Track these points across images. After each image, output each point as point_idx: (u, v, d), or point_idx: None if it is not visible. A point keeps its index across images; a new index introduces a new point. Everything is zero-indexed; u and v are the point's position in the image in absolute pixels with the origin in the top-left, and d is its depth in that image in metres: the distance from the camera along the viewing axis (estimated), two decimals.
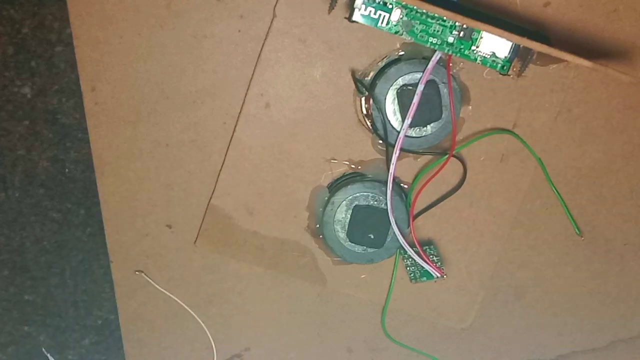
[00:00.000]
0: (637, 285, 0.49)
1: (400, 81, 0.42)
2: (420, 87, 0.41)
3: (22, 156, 0.44)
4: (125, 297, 0.48)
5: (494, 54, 0.40)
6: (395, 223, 0.44)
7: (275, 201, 0.45)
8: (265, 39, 0.42)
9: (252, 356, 0.50)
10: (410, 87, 0.42)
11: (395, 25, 0.39)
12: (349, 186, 0.44)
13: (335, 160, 0.45)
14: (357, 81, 0.42)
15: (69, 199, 0.45)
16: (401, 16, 0.39)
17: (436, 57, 0.41)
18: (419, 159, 0.45)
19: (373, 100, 0.42)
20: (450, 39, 0.40)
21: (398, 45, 0.42)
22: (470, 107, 0.44)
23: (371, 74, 0.43)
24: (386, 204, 0.43)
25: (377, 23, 0.39)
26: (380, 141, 0.43)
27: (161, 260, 0.47)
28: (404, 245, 0.44)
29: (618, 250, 0.48)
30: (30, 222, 0.46)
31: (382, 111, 0.42)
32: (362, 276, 0.47)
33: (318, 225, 0.46)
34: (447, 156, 0.43)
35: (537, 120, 0.44)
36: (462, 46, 0.40)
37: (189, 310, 0.48)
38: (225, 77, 0.43)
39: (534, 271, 0.48)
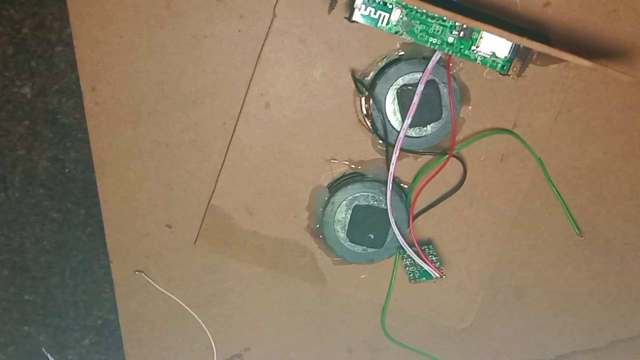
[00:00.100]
0: (637, 285, 0.49)
1: (400, 81, 0.42)
2: (420, 87, 0.41)
3: (22, 156, 0.44)
4: (125, 297, 0.48)
5: (494, 54, 0.40)
6: (395, 223, 0.44)
7: (275, 201, 0.45)
8: (265, 39, 0.42)
9: (252, 356, 0.50)
10: (410, 87, 0.42)
11: (395, 25, 0.39)
12: (349, 186, 0.44)
13: (335, 160, 0.45)
14: (357, 81, 0.42)
15: (69, 199, 0.45)
16: (401, 16, 0.39)
17: (436, 57, 0.41)
18: (419, 159, 0.45)
19: (373, 100, 0.42)
20: (450, 39, 0.40)
21: (398, 45, 0.42)
22: (470, 107, 0.44)
23: (371, 74, 0.43)
24: (386, 204, 0.43)
25: (377, 23, 0.39)
26: (380, 141, 0.43)
27: (161, 260, 0.47)
28: (403, 245, 0.44)
29: (618, 250, 0.48)
30: (30, 222, 0.46)
31: (382, 111, 0.42)
32: (362, 276, 0.47)
33: (318, 225, 0.46)
34: (447, 156, 0.43)
35: (537, 120, 0.44)
36: (462, 46, 0.40)
37: (189, 310, 0.48)
38: (225, 77, 0.43)
39: (534, 271, 0.48)
